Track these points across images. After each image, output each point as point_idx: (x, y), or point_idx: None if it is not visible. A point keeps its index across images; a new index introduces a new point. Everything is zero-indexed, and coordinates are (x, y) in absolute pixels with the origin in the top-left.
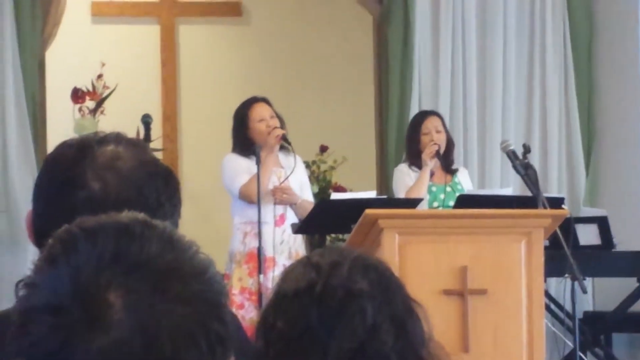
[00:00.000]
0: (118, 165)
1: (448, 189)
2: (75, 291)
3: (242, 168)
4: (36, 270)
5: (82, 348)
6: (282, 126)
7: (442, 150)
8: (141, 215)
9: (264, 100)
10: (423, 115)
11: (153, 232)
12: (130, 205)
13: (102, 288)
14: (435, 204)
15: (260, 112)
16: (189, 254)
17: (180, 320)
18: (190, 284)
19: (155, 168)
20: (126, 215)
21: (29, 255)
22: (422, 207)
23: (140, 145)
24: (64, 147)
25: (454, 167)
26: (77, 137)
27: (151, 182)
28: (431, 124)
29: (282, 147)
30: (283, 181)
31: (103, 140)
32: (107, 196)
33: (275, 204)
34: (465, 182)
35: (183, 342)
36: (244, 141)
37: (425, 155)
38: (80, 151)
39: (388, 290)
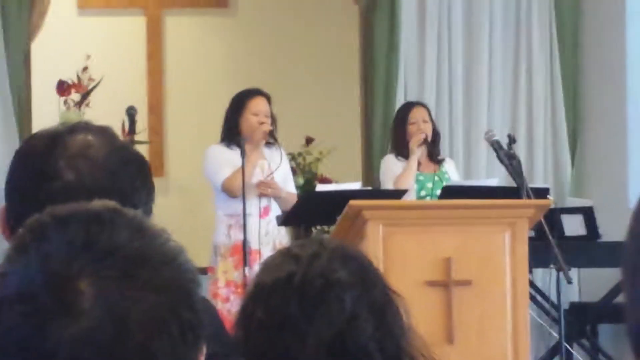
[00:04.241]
0: (90, 153)
1: (436, 178)
2: (45, 279)
3: (225, 160)
4: (6, 259)
5: (54, 336)
6: (274, 125)
7: (428, 139)
8: (111, 203)
9: (266, 97)
10: (409, 105)
11: (123, 219)
12: (106, 192)
13: (72, 276)
14: (423, 193)
15: (258, 105)
16: (159, 241)
17: (151, 308)
18: (160, 271)
19: (127, 154)
20: (96, 203)
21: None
22: (410, 196)
23: (109, 132)
24: (33, 139)
25: (440, 157)
26: (46, 129)
27: (125, 168)
28: (418, 114)
29: (267, 142)
30: (268, 176)
31: (73, 129)
32: (81, 185)
33: (259, 196)
34: (452, 172)
35: (154, 329)
36: (232, 129)
37: (413, 144)
38: (50, 142)
39: (367, 280)
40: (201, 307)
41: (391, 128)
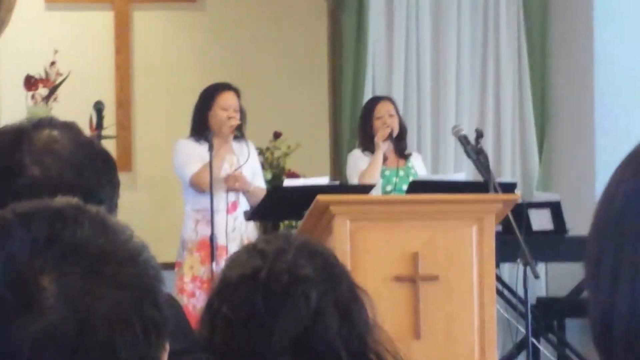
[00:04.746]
0: (56, 149)
1: (401, 172)
2: (8, 276)
3: (193, 155)
4: None
5: (16, 333)
6: (242, 119)
7: (394, 134)
8: (74, 200)
9: (235, 92)
10: (376, 100)
11: (86, 216)
12: (71, 188)
13: (35, 273)
14: (389, 188)
15: (227, 100)
16: (122, 237)
17: (115, 305)
18: (124, 267)
19: (93, 150)
20: (59, 200)
21: None
22: (376, 191)
23: (75, 127)
24: None
25: (407, 151)
26: (10, 124)
27: (90, 163)
28: (384, 108)
29: (235, 136)
30: (237, 169)
31: (38, 125)
32: (48, 180)
33: (227, 191)
34: (419, 166)
35: (117, 326)
36: (201, 123)
37: (378, 138)
38: (16, 138)
39: (333, 276)
40: (165, 304)
41: (358, 122)
